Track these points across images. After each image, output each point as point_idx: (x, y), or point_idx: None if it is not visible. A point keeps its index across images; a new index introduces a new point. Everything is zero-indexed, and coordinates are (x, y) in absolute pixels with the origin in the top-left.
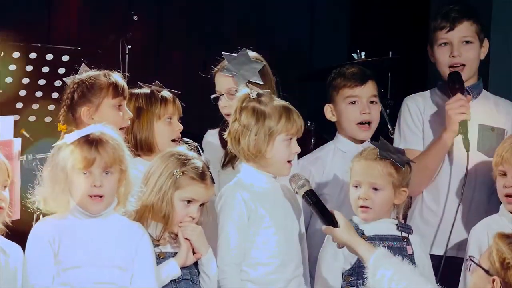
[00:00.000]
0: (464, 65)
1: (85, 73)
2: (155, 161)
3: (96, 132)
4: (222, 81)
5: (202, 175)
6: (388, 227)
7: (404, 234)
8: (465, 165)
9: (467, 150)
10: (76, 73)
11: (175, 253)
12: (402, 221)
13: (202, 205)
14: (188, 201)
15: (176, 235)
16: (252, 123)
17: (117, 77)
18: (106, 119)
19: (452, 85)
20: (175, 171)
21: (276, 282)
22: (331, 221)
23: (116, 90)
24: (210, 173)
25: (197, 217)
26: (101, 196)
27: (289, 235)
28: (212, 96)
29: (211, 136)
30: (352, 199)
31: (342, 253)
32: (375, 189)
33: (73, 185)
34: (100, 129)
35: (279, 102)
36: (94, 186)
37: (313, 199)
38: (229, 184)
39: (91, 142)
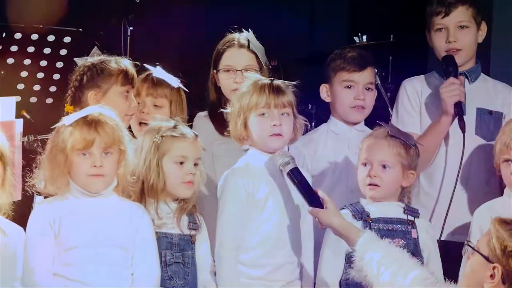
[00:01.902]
0: (460, 50)
1: (97, 56)
2: (136, 141)
3: (95, 113)
4: (240, 57)
5: (181, 132)
6: (394, 210)
7: (410, 218)
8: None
9: (463, 132)
10: (79, 55)
11: (169, 234)
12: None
13: (196, 165)
14: (180, 162)
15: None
16: (232, 105)
17: (127, 64)
18: (112, 106)
19: (446, 68)
20: (154, 138)
21: (268, 265)
22: (316, 201)
23: (125, 78)
24: (191, 129)
25: (197, 174)
26: (101, 175)
27: (286, 219)
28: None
29: (201, 119)
30: (361, 178)
31: None
32: (384, 167)
33: (73, 166)
34: (99, 110)
35: (256, 80)
36: (94, 166)
37: (298, 177)
38: (232, 168)
39: (90, 123)
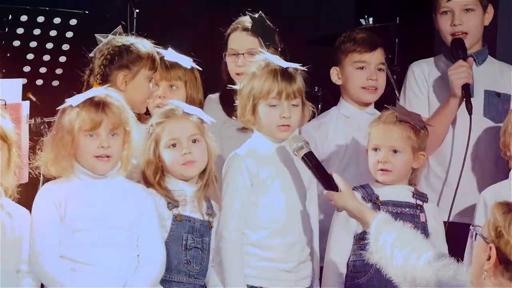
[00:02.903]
0: (466, 33)
1: (119, 35)
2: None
3: (101, 94)
4: (243, 40)
5: (166, 113)
6: (404, 193)
7: (418, 202)
8: (472, 131)
9: (470, 114)
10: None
11: (192, 219)
12: (418, 189)
13: (195, 141)
14: (173, 145)
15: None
16: (241, 85)
17: (153, 49)
18: (139, 88)
19: (455, 52)
20: (149, 129)
21: (277, 246)
22: (331, 184)
23: (153, 62)
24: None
25: (196, 152)
26: (108, 157)
27: (294, 200)
28: (226, 53)
29: (211, 101)
30: (371, 163)
31: None
32: (395, 152)
33: (79, 147)
34: (105, 91)
35: (268, 62)
36: (102, 147)
37: (312, 161)
38: (235, 151)
39: (98, 104)
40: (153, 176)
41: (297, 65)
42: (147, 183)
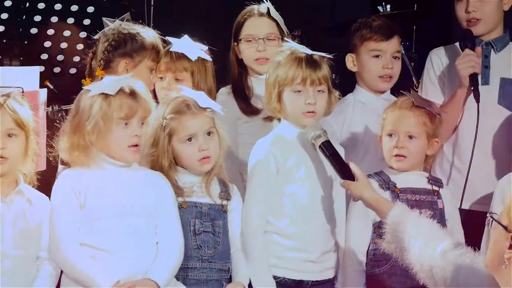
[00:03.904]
0: (480, 19)
1: (126, 21)
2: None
3: (130, 83)
4: (261, 25)
5: (181, 109)
6: (419, 179)
7: (435, 188)
8: (487, 119)
9: (477, 102)
10: (103, 26)
11: (199, 204)
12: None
13: (209, 133)
14: (189, 139)
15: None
16: (267, 74)
17: (158, 40)
18: (139, 78)
19: (463, 41)
20: (162, 121)
21: (301, 234)
22: (347, 174)
23: (157, 54)
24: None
25: (212, 147)
26: (137, 146)
27: (319, 188)
28: (241, 39)
29: (224, 96)
30: (386, 149)
31: None
32: (410, 138)
33: (110, 135)
34: (133, 80)
35: (294, 50)
36: (136, 136)
37: (330, 150)
38: (262, 138)
39: (133, 93)
40: (168, 168)
41: (323, 54)
42: (156, 166)
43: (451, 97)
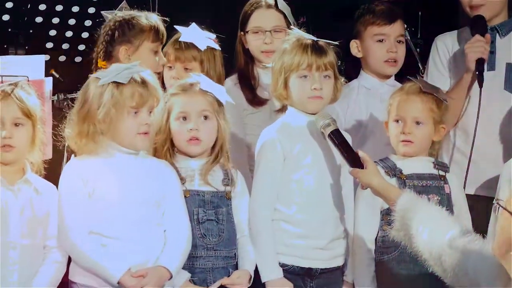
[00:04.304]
0: (483, 4)
1: (125, 10)
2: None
3: (141, 72)
4: (268, 17)
5: (183, 87)
6: (425, 165)
7: (441, 173)
8: (493, 104)
9: (480, 87)
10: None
11: (201, 192)
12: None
13: (206, 117)
14: (183, 118)
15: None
16: (273, 62)
17: (158, 20)
18: (143, 62)
19: (473, 27)
20: (165, 98)
21: (309, 221)
22: (356, 162)
23: (156, 34)
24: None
25: (203, 130)
26: (147, 133)
27: (326, 175)
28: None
29: (230, 86)
30: (393, 134)
31: None
32: (417, 123)
33: (120, 123)
34: (141, 69)
35: (299, 38)
36: (146, 124)
37: (339, 139)
38: (268, 126)
39: (144, 82)
40: (161, 145)
41: (328, 41)
42: (157, 153)
43: (457, 82)
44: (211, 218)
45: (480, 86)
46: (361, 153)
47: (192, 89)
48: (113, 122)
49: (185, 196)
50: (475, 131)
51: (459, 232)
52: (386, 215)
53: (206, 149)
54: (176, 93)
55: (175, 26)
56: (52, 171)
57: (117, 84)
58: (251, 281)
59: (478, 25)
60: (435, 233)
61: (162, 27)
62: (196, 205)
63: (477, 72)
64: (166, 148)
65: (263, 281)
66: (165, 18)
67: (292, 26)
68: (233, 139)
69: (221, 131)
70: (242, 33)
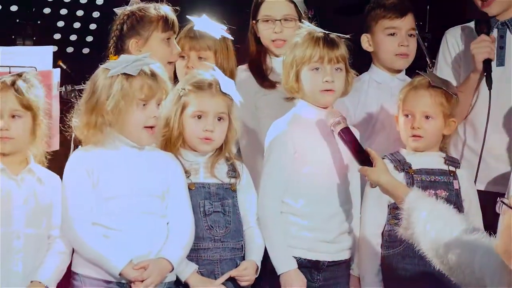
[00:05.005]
0: None
1: (135, 4)
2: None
3: (150, 65)
4: (278, 6)
5: (202, 85)
6: (435, 160)
7: (451, 168)
8: (502, 100)
9: (489, 89)
10: (115, 4)
11: (207, 184)
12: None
13: (220, 119)
14: (198, 116)
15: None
16: (285, 55)
17: (167, 10)
18: (154, 53)
19: (478, 26)
20: (180, 91)
21: (317, 215)
22: (365, 160)
23: (166, 24)
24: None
25: (217, 131)
26: (153, 127)
27: (335, 169)
28: (258, 20)
29: (242, 72)
30: (403, 129)
31: None
32: (427, 118)
33: (128, 116)
34: (151, 61)
35: (311, 31)
36: (154, 117)
37: (348, 137)
38: (280, 118)
39: (154, 75)
40: (175, 140)
41: (340, 34)
42: (164, 145)
43: (464, 81)
44: (217, 210)
45: (489, 87)
46: (370, 151)
47: (212, 89)
48: (122, 113)
49: (190, 189)
50: (485, 132)
51: (466, 229)
52: (394, 209)
53: (215, 148)
54: (194, 91)
55: (187, 16)
56: (59, 162)
57: (127, 75)
58: (258, 272)
59: (482, 24)
60: (442, 231)
61: (172, 16)
62: (202, 197)
63: (485, 74)
64: (179, 144)
65: (278, 274)
66: (176, 8)
67: (303, 20)
68: (245, 125)
69: (232, 131)
70: (253, 21)
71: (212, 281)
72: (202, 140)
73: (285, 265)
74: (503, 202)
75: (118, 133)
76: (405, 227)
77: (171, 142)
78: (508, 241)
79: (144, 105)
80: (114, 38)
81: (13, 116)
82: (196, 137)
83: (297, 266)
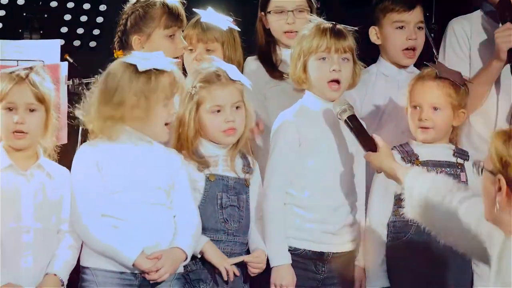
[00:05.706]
0: None
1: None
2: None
3: (171, 60)
4: None
5: (210, 79)
6: (444, 152)
7: (459, 161)
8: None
9: None
10: None
11: (226, 177)
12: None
13: (237, 107)
14: (217, 110)
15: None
16: (292, 47)
17: (173, 5)
18: (157, 49)
19: (501, 13)
20: (192, 89)
21: (321, 207)
22: (372, 146)
23: (169, 19)
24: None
25: (238, 120)
26: (168, 124)
27: (340, 161)
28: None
29: (251, 63)
30: (411, 121)
31: None
32: (435, 109)
33: (150, 113)
34: (168, 58)
35: (318, 23)
36: (174, 113)
37: (355, 124)
38: (286, 110)
39: (176, 72)
40: (193, 138)
41: (347, 26)
42: (179, 143)
43: (483, 68)
44: (233, 204)
45: None
46: (376, 137)
47: (221, 80)
48: (146, 109)
49: (210, 180)
50: (510, 123)
51: (466, 196)
52: (399, 200)
53: (239, 136)
54: (204, 86)
55: (194, 9)
56: (67, 156)
57: (155, 71)
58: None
59: (506, 10)
60: (443, 203)
61: (177, 11)
62: (220, 189)
63: (510, 63)
64: (197, 141)
65: (271, 266)
66: (182, 1)
67: (313, 12)
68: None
69: (249, 117)
70: (262, 13)
71: (224, 256)
72: (225, 132)
73: (279, 258)
74: (478, 165)
75: (135, 128)
76: (407, 207)
77: (188, 141)
78: (489, 202)
79: (165, 102)
80: (119, 33)
81: (30, 110)
82: (218, 130)
83: (291, 262)
